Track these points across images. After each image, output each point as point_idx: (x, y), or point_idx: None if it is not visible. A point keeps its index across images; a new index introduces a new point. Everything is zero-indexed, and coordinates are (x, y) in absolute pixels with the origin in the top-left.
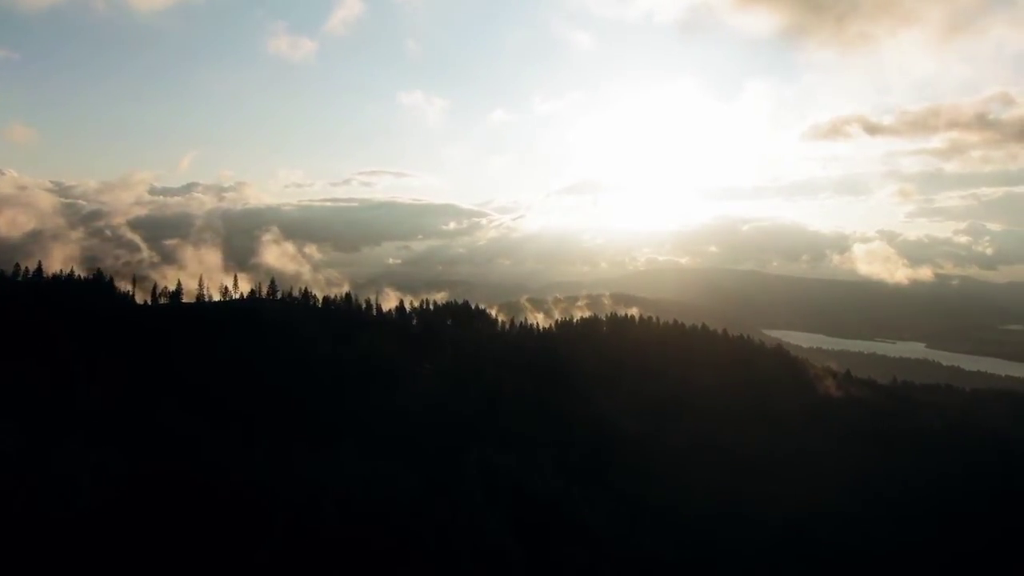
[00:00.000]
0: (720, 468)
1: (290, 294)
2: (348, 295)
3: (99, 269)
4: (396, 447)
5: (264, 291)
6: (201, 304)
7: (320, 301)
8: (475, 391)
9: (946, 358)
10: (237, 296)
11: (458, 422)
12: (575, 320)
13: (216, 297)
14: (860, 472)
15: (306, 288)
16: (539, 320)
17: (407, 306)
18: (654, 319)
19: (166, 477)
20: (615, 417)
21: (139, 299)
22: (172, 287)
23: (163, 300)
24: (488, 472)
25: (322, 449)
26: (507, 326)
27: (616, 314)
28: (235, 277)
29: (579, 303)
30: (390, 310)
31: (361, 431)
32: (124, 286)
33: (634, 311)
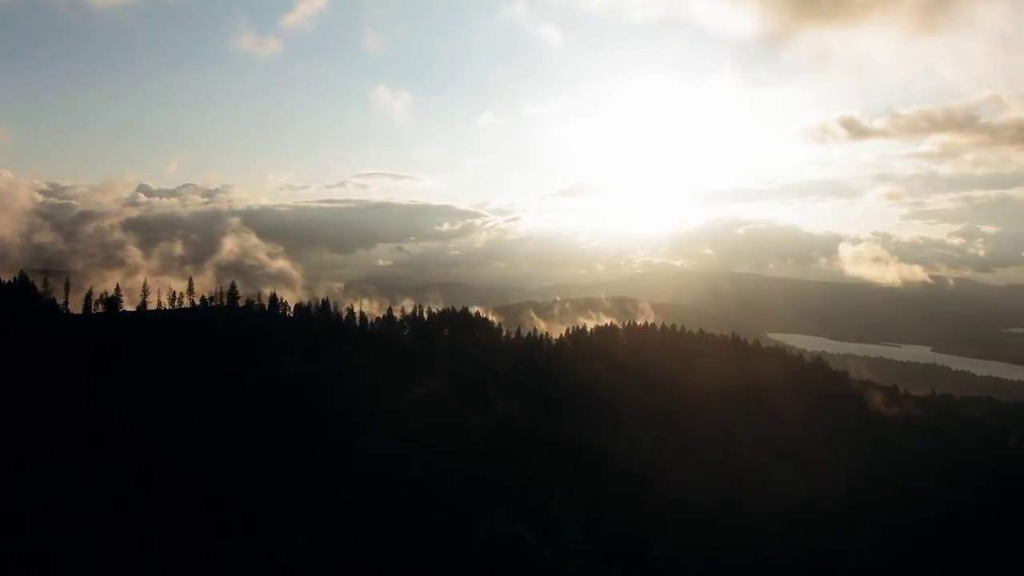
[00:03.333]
0: (791, 523)
1: (257, 300)
2: (325, 302)
3: (22, 271)
4: (370, 521)
5: (223, 298)
6: (142, 313)
7: (292, 309)
8: (478, 427)
9: (954, 363)
10: (188, 303)
11: (458, 474)
12: (588, 329)
13: (166, 304)
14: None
15: (274, 294)
16: (543, 327)
17: (397, 314)
18: (678, 327)
19: None
20: (652, 455)
21: (74, 308)
22: (142, 292)
23: (100, 309)
24: (502, 556)
25: (260, 530)
26: (511, 335)
27: (634, 322)
28: (189, 280)
29: (583, 308)
30: (377, 319)
31: (323, 494)
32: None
33: (650, 317)
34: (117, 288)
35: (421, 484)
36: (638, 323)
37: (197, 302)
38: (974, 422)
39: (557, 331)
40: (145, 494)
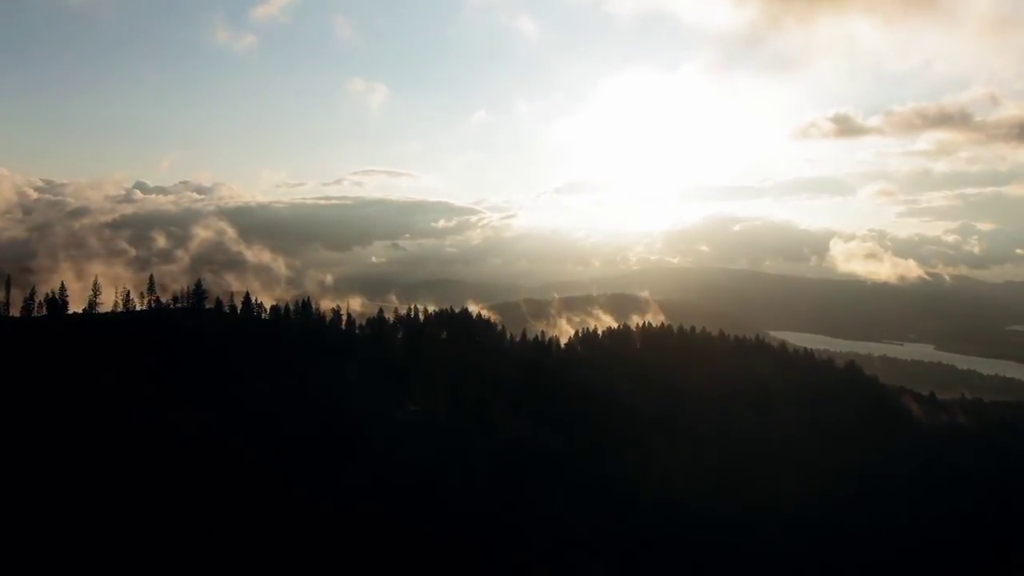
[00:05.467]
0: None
1: (230, 300)
2: (306, 303)
3: None
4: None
5: (187, 298)
6: (88, 316)
7: (267, 312)
8: (484, 454)
9: (959, 361)
10: (145, 304)
11: (460, 513)
12: (598, 331)
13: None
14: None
15: (247, 294)
16: (547, 328)
17: (390, 315)
18: (698, 330)
19: None
20: (690, 482)
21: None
22: (91, 292)
23: (43, 311)
24: None
25: None
26: (515, 338)
27: (649, 324)
28: (150, 278)
29: (583, 305)
30: (369, 320)
31: (291, 539)
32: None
33: (656, 315)
34: (62, 287)
35: (415, 527)
36: (644, 323)
37: (156, 303)
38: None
39: (560, 331)
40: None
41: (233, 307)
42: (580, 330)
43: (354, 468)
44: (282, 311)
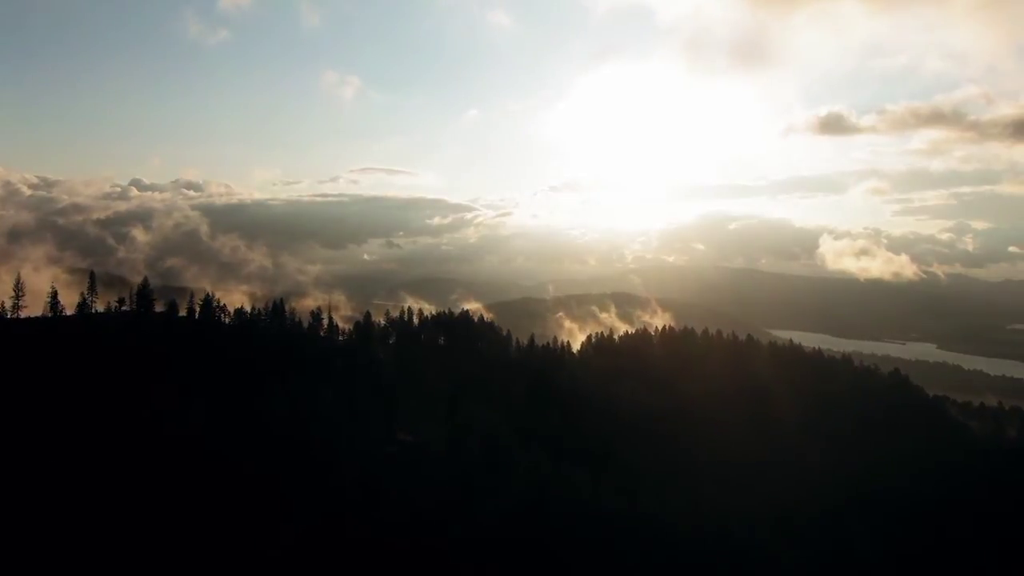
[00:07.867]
0: None
1: (188, 306)
2: (278, 305)
3: None
4: None
5: (132, 300)
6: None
7: (231, 315)
8: (493, 496)
9: (964, 361)
10: (81, 308)
11: None
12: (614, 336)
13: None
14: None
15: (208, 295)
16: (551, 329)
17: (381, 318)
18: (725, 334)
19: None
20: (746, 527)
21: None
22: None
23: None
24: None
25: None
26: (522, 343)
27: (668, 328)
28: (91, 276)
29: (587, 305)
30: (356, 324)
31: None
32: None
33: (665, 317)
34: None
35: None
36: (663, 326)
37: (84, 305)
38: None
39: (567, 332)
40: None
41: (192, 310)
42: (593, 335)
43: (328, 519)
44: (248, 315)
